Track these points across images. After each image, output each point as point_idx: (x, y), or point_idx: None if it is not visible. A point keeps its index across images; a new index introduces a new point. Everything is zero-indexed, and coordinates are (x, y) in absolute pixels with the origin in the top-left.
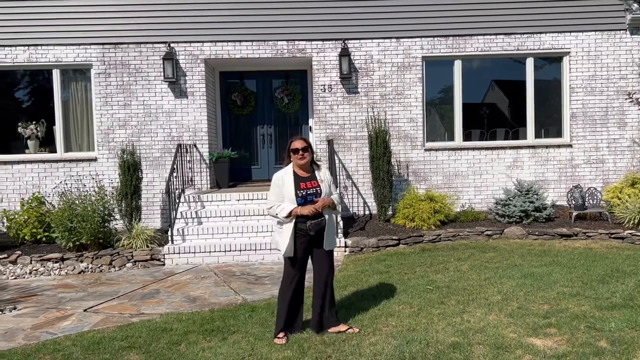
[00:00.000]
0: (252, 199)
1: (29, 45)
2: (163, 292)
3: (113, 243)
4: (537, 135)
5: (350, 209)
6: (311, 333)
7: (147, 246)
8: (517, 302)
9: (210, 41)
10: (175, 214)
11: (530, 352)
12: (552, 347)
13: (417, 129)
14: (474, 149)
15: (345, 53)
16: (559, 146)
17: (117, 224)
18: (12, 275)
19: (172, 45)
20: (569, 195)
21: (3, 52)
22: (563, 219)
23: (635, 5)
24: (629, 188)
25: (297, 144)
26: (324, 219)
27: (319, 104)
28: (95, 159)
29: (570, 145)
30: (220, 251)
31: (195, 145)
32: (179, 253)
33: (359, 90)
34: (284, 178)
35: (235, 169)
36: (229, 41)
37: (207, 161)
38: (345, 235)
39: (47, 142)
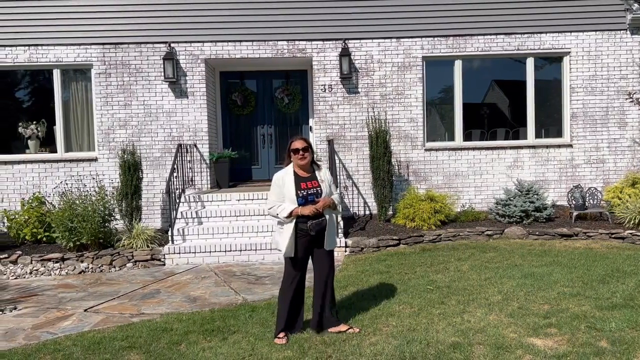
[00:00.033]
0: (253, 199)
1: (29, 45)
2: (163, 292)
3: (113, 243)
4: (538, 135)
5: (351, 209)
6: (311, 333)
7: (148, 246)
8: (517, 302)
9: (211, 41)
10: (176, 214)
11: (531, 352)
12: (552, 347)
13: (418, 129)
14: (474, 149)
15: (345, 53)
16: (559, 146)
17: (117, 224)
18: (12, 275)
19: (172, 45)
20: (570, 195)
21: (3, 52)
22: (563, 219)
23: (636, 5)
24: (629, 188)
25: (298, 144)
26: (324, 219)
27: (319, 104)
28: (95, 159)
29: (570, 145)
30: (220, 251)
31: (195, 145)
32: (180, 253)
33: (360, 90)
34: (285, 178)
35: (236, 169)
36: (230, 41)
37: (208, 161)
38: (346, 235)
39: (47, 142)
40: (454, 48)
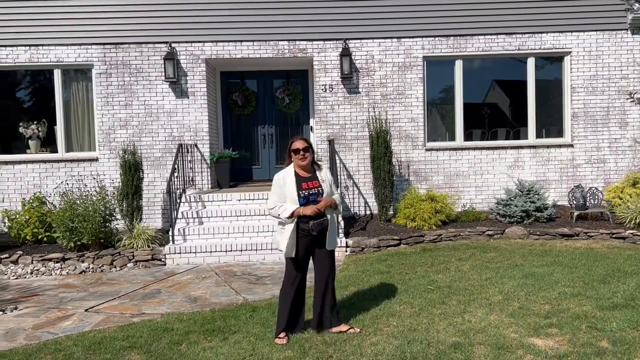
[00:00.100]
0: (253, 199)
1: (30, 46)
2: (164, 292)
3: (114, 243)
4: (538, 135)
5: (351, 209)
6: (312, 333)
7: (148, 246)
8: (518, 302)
9: (211, 41)
10: (176, 214)
11: (532, 352)
12: (553, 347)
13: (418, 129)
14: (475, 148)
15: (346, 53)
16: (560, 146)
17: (118, 224)
18: (13, 275)
19: (173, 45)
20: (570, 195)
21: (4, 52)
22: (564, 219)
23: (637, 5)
24: (630, 188)
25: (298, 144)
26: (326, 219)
27: (320, 104)
28: (96, 159)
29: (571, 145)
30: (221, 251)
31: (196, 145)
32: (180, 253)
33: (360, 90)
34: (286, 178)
35: (236, 169)
36: (230, 41)
37: (208, 161)
38: (347, 235)
39: (48, 142)
40: (454, 48)
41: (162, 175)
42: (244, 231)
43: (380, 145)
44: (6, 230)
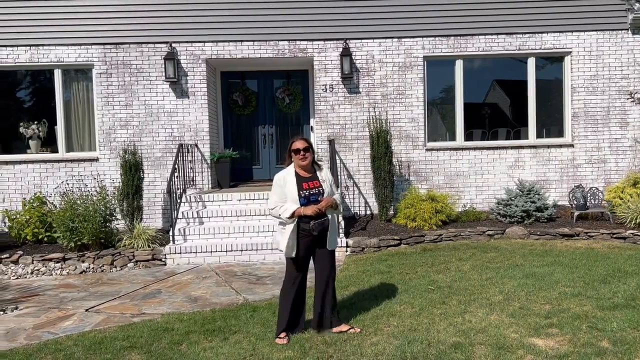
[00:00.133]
0: (254, 199)
1: (30, 46)
2: (164, 292)
3: (114, 243)
4: (539, 135)
5: (352, 209)
6: (312, 333)
7: (149, 246)
8: (518, 302)
9: (212, 41)
10: (177, 214)
11: (532, 352)
12: (553, 347)
13: (419, 129)
14: (475, 148)
15: (346, 53)
16: (560, 146)
17: (118, 224)
18: (13, 275)
19: (173, 45)
20: (571, 195)
21: (5, 52)
22: (565, 219)
23: (637, 5)
24: (630, 188)
25: (299, 144)
26: (327, 219)
27: (320, 104)
28: (96, 159)
29: (572, 145)
30: (221, 251)
31: (196, 145)
32: (181, 253)
33: (361, 90)
34: (286, 178)
35: (237, 169)
36: (231, 41)
37: (209, 161)
38: (347, 235)
39: (48, 142)
40: (455, 48)
41: (162, 175)
42: (245, 231)
43: (381, 145)
44: (6, 230)
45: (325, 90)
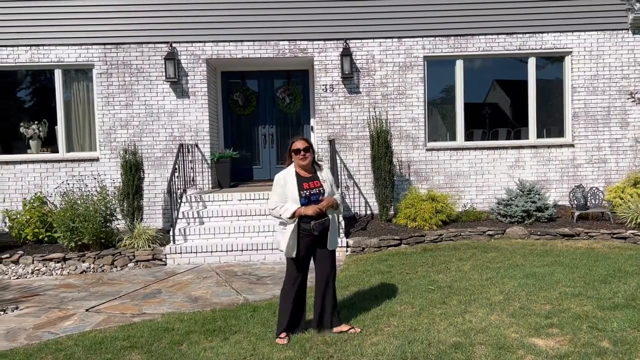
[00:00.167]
0: (254, 199)
1: (31, 46)
2: (165, 292)
3: (115, 243)
4: (539, 135)
5: (352, 209)
6: (313, 333)
7: (149, 246)
8: (519, 302)
9: (212, 41)
10: (177, 214)
11: (532, 352)
12: (554, 347)
13: (419, 129)
14: (475, 148)
15: (346, 53)
16: (560, 146)
17: (119, 224)
18: (14, 275)
19: (173, 45)
20: (571, 195)
21: (5, 52)
22: (565, 219)
23: (638, 5)
24: (631, 188)
25: (299, 144)
26: (327, 219)
27: (321, 104)
28: (97, 159)
29: (572, 145)
30: (221, 251)
31: (197, 145)
32: (181, 253)
33: (361, 90)
34: (287, 178)
35: (237, 169)
36: (231, 41)
37: (209, 161)
38: (347, 235)
39: (49, 142)
40: (455, 48)
41: (162, 175)
42: (245, 231)
43: (381, 145)
44: (7, 230)
45: (326, 90)
